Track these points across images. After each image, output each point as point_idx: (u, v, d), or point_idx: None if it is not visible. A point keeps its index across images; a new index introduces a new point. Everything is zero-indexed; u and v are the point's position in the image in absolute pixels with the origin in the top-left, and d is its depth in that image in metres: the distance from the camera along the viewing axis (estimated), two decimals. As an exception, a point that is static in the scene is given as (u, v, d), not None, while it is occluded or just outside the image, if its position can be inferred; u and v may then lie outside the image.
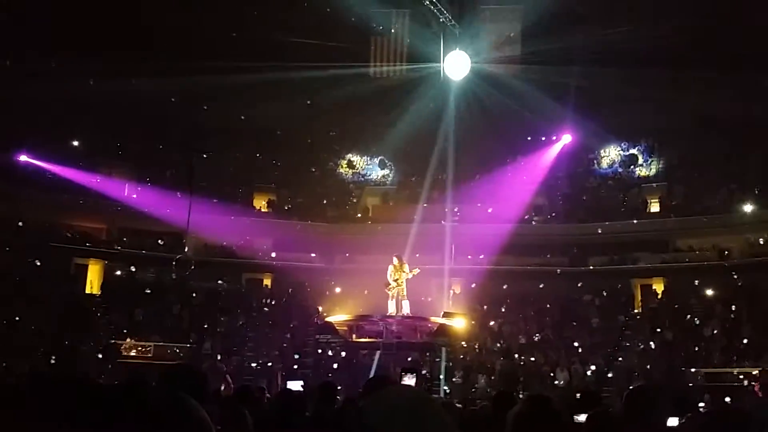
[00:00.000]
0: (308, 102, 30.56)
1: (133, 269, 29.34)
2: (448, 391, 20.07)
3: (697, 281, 27.81)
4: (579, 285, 29.23)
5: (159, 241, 29.68)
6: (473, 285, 27.98)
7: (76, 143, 30.67)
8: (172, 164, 31.70)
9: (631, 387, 4.15)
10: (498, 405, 5.08)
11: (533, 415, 2.85)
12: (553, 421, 2.84)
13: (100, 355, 23.31)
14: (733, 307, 26.10)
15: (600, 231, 29.78)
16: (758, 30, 24.12)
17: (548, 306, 28.78)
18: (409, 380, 11.91)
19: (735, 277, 27.21)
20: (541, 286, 29.31)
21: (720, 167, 30.49)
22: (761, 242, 27.97)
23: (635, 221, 29.87)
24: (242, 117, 30.54)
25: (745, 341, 24.21)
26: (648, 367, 23.94)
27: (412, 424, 1.77)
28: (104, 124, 29.37)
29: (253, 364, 24.58)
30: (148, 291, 27.99)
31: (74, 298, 26.66)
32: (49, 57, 25.59)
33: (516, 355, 25.52)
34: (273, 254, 30.70)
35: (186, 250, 29.59)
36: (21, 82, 24.58)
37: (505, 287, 29.04)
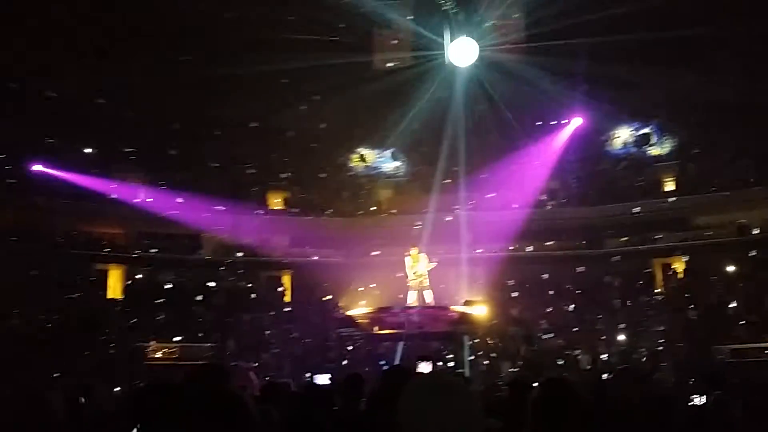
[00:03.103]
0: (316, 97, 30.52)
1: (154, 272, 29.62)
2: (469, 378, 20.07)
3: (717, 258, 27.61)
4: (598, 267, 29.11)
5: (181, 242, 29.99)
6: (492, 272, 27.94)
7: (88, 150, 30.85)
8: (184, 166, 31.83)
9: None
10: (515, 390, 5.08)
11: (552, 398, 2.85)
12: (573, 402, 2.83)
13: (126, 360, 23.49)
14: (755, 282, 25.91)
15: (616, 212, 29.64)
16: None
17: (568, 290, 28.70)
18: (425, 368, 12.00)
19: (755, 252, 26.99)
20: (553, 269, 29.23)
21: (733, 142, 30.16)
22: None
23: (651, 201, 29.67)
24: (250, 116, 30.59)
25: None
26: (672, 345, 23.85)
27: (443, 417, 1.78)
28: (114, 130, 29.52)
29: (277, 361, 24.70)
30: (169, 293, 28.22)
31: (96, 303, 26.92)
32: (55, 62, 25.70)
33: (538, 341, 25.48)
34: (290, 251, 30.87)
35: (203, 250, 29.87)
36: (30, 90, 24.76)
37: (523, 273, 28.98)
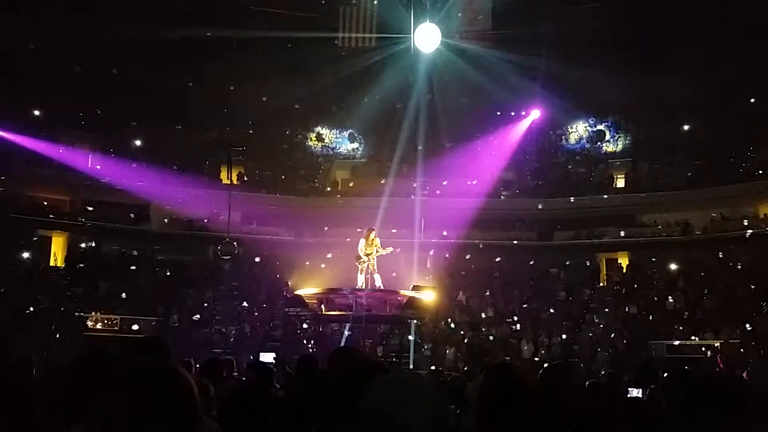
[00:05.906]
0: (277, 73, 30.04)
1: (98, 241, 28.94)
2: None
3: (660, 255, 28.34)
4: (545, 259, 29.58)
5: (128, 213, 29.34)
6: (442, 258, 28.11)
7: (37, 113, 29.83)
8: (136, 135, 31.11)
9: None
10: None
11: (498, 386, 2.80)
12: (519, 389, 2.79)
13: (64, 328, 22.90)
14: (695, 281, 26.68)
15: (567, 206, 30.11)
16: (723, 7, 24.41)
17: (515, 279, 29.08)
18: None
19: (697, 251, 27.78)
20: (502, 259, 29.60)
21: (684, 144, 30.94)
22: (722, 218, 28.51)
23: (601, 196, 30.24)
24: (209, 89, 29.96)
25: (706, 314, 24.78)
26: (612, 338, 24.41)
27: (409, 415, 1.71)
28: (66, 93, 28.56)
29: (221, 337, 24.44)
30: (114, 263, 27.61)
31: (37, 270, 26.16)
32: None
33: (483, 328, 25.78)
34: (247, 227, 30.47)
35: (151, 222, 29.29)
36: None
37: (473, 261, 29.25)
